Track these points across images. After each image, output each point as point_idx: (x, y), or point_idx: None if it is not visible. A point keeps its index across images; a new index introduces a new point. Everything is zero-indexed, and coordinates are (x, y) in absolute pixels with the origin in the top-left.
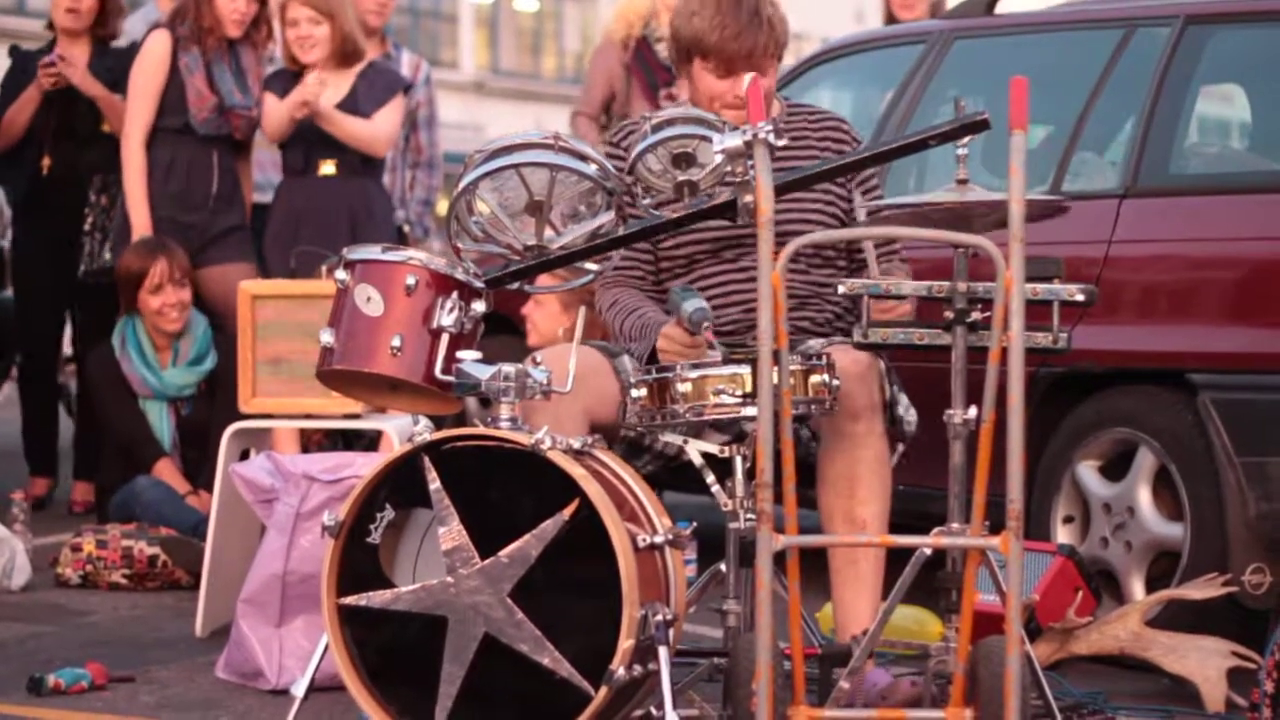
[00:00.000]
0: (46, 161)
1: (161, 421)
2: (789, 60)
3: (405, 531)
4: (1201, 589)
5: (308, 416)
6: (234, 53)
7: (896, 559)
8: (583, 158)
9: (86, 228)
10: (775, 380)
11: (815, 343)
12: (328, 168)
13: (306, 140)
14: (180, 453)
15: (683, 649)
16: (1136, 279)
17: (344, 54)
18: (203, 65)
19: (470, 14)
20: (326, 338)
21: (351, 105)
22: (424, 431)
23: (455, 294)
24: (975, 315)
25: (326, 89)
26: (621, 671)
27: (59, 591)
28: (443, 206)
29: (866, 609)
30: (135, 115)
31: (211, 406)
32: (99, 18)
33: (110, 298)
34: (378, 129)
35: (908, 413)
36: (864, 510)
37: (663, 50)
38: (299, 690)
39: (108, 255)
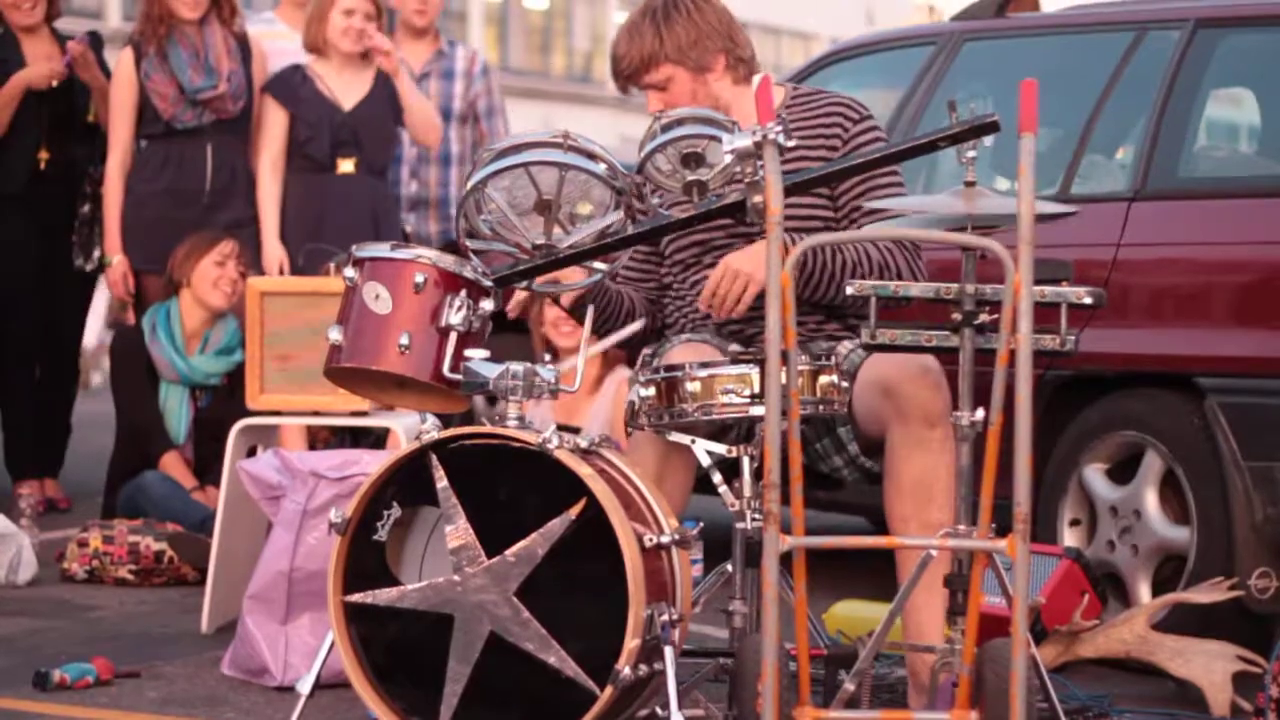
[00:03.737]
0: (44, 155)
1: (180, 409)
2: (798, 60)
3: (412, 529)
4: (1207, 593)
5: (315, 414)
6: (202, 35)
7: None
8: (592, 156)
9: (85, 213)
10: (783, 380)
11: (832, 346)
12: (347, 166)
13: (334, 137)
14: (193, 445)
15: (688, 649)
16: (1145, 282)
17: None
18: (159, 63)
19: (480, 12)
20: (335, 335)
21: (371, 104)
22: (431, 429)
23: (464, 292)
24: (983, 317)
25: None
26: (627, 671)
27: (65, 586)
28: None
29: (939, 615)
30: (113, 140)
31: (229, 402)
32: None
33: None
34: (435, 112)
35: None
36: (941, 515)
37: None
38: (304, 687)
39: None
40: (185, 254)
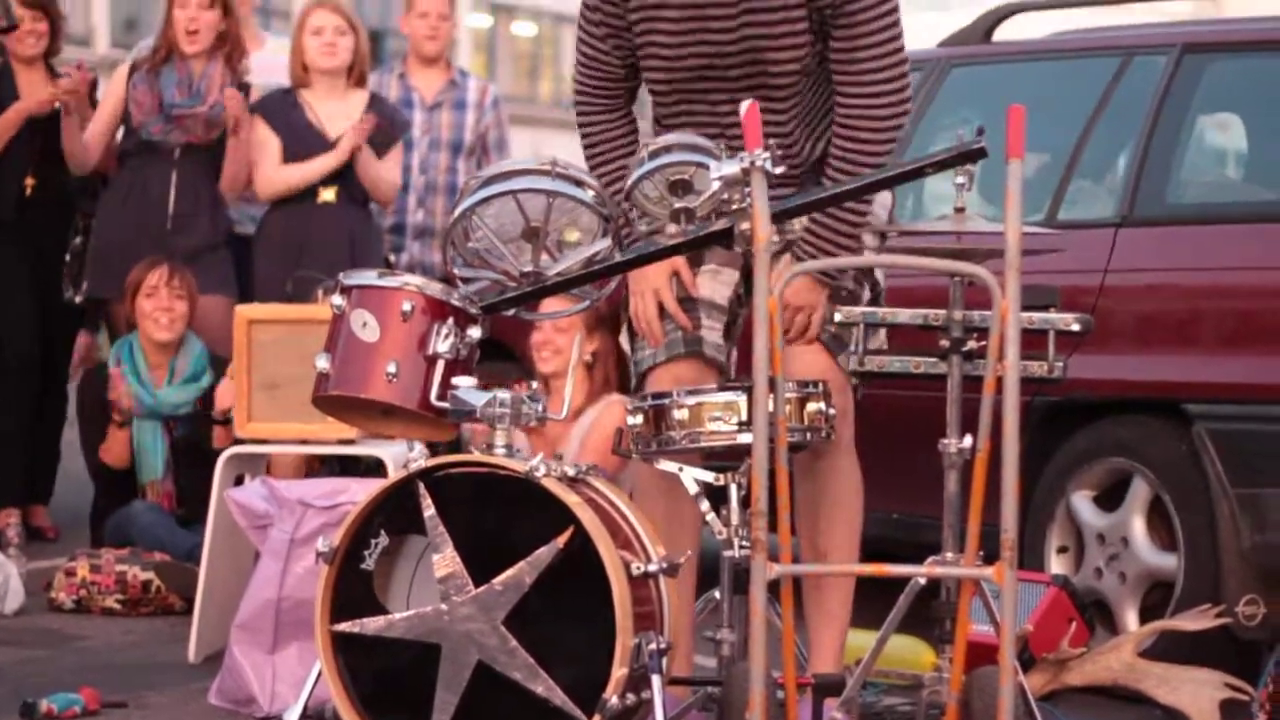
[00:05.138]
0: (30, 181)
1: (155, 443)
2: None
3: (399, 558)
4: (1195, 620)
5: (303, 442)
6: (203, 68)
7: (891, 588)
8: (579, 184)
9: (76, 245)
10: (770, 408)
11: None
12: (328, 194)
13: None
14: (173, 474)
15: (676, 677)
16: (1132, 308)
17: (359, 74)
18: (148, 77)
19: (468, 38)
20: (322, 363)
21: None
22: (419, 458)
23: (451, 320)
24: (971, 344)
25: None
26: (614, 700)
27: (52, 616)
28: None
29: (832, 644)
30: (92, 125)
31: (207, 428)
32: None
33: (79, 324)
34: (394, 177)
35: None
36: (825, 541)
37: None
38: (292, 717)
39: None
40: (127, 289)
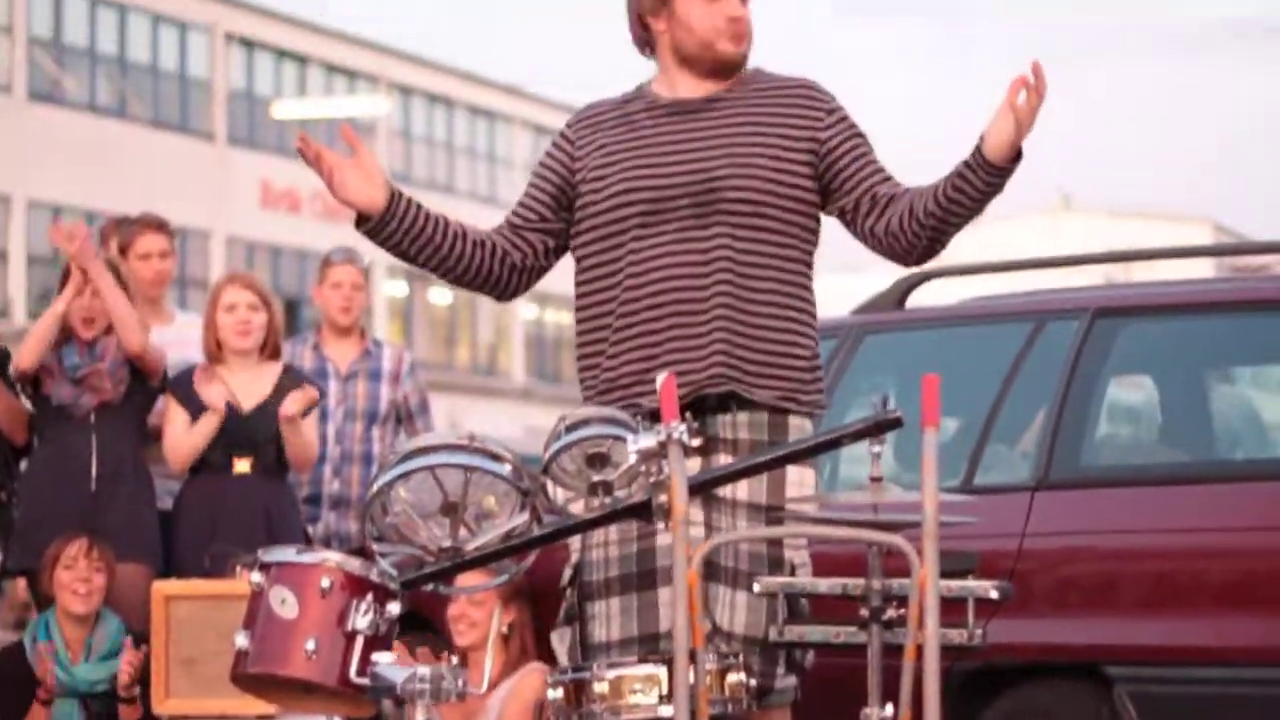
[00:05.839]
0: None
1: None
2: None
3: None
4: None
5: (223, 718)
6: (98, 341)
7: None
8: (497, 458)
9: None
10: (691, 680)
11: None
12: (243, 466)
13: (227, 437)
14: None
15: None
16: (1050, 572)
17: (273, 346)
18: (52, 353)
19: (385, 306)
20: (241, 640)
21: (272, 406)
22: None
23: (370, 595)
24: (890, 613)
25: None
26: None
27: None
28: None
29: None
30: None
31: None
32: None
33: None
34: (314, 445)
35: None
36: None
37: None
38: None
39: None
40: (46, 563)
